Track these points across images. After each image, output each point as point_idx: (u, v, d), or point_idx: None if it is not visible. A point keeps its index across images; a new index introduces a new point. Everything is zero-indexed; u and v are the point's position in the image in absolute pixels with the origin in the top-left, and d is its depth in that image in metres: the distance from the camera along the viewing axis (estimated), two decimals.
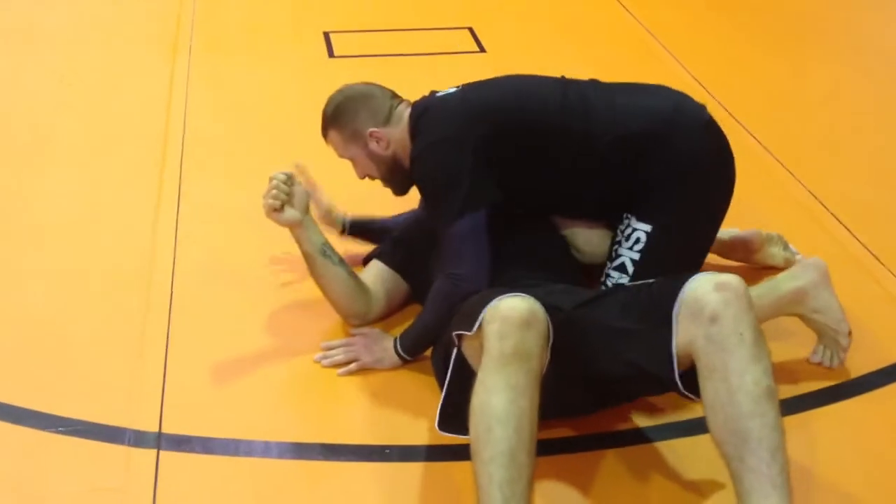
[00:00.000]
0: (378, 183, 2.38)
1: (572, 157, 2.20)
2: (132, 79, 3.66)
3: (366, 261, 2.45)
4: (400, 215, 2.55)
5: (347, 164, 2.41)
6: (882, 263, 2.63)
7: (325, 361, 2.21)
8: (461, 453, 1.96)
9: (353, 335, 2.27)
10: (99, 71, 3.73)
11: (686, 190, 2.19)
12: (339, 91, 2.33)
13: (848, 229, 2.77)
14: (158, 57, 3.81)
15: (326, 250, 2.22)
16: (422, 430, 2.04)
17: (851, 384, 2.21)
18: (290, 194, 2.18)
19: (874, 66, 3.90)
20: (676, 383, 1.79)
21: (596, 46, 4.05)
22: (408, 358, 2.19)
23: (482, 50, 3.98)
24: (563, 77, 2.36)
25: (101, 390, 2.13)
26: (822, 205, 2.88)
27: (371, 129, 2.25)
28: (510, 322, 1.71)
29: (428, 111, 2.21)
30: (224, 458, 1.98)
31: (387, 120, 2.26)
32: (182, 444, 1.99)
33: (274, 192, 2.17)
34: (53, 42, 3.97)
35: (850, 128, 3.43)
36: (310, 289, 2.43)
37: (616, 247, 2.23)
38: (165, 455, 1.96)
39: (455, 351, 1.88)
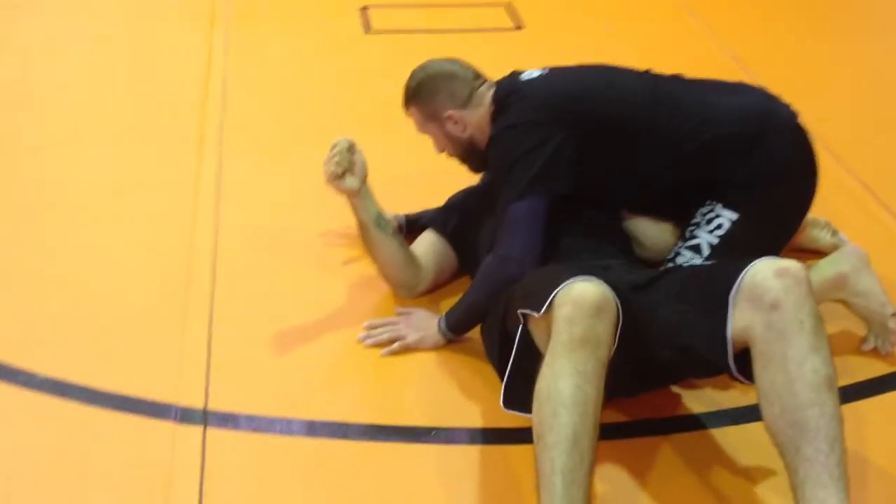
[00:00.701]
0: (416, 166, 2.38)
1: (660, 153, 2.18)
2: (170, 51, 3.65)
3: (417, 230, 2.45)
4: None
5: (386, 143, 2.39)
6: None
7: (368, 341, 2.19)
8: (507, 437, 1.98)
9: (399, 313, 2.26)
10: (136, 43, 3.72)
11: (775, 188, 2.18)
12: (422, 67, 2.31)
13: None
14: (195, 29, 3.80)
15: (381, 221, 2.24)
16: (468, 412, 2.03)
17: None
18: (351, 162, 2.17)
19: None
20: (731, 367, 1.76)
21: (636, 26, 4.01)
22: (452, 336, 2.17)
23: (519, 27, 3.94)
24: (649, 71, 2.32)
25: (147, 366, 2.13)
26: (870, 190, 2.83)
27: (449, 112, 2.24)
28: (581, 308, 1.69)
29: (513, 94, 2.19)
30: (271, 436, 1.96)
31: (466, 102, 2.25)
32: (228, 421, 1.99)
33: (336, 158, 2.16)
34: (88, 13, 3.96)
35: None
36: (355, 265, 2.45)
37: (693, 228, 2.21)
38: (212, 432, 1.96)
39: (521, 328, 1.85)
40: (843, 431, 1.63)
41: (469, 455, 1.95)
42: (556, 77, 2.24)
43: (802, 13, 4.17)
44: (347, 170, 2.17)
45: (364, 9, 4.03)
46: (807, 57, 3.74)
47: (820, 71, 3.63)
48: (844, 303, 2.21)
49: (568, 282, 1.72)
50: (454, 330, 2.17)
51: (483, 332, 2.16)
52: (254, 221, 2.66)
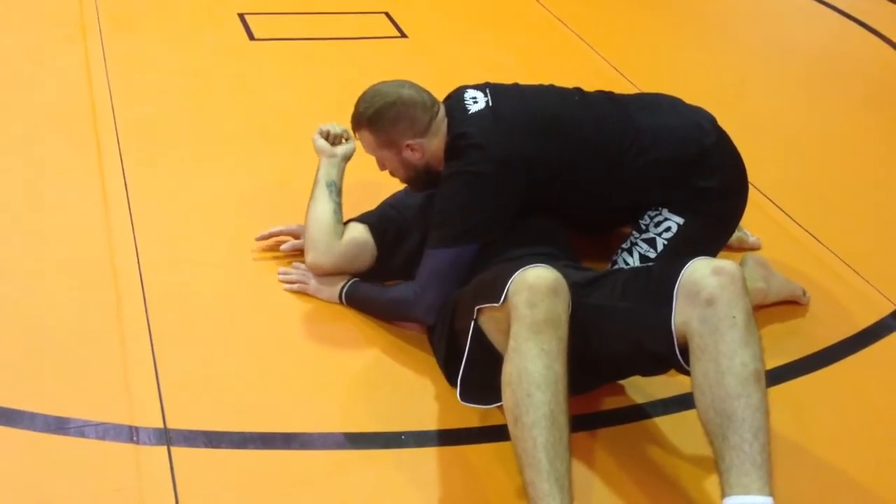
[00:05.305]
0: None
1: (603, 183, 2.27)
2: (44, 60, 3.44)
3: None
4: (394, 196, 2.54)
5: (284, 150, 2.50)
6: (819, 241, 2.81)
7: (281, 276, 2.40)
8: (477, 436, 2.02)
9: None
10: (5, 52, 3.48)
11: (715, 202, 2.33)
12: (379, 93, 2.25)
13: (784, 211, 2.95)
14: (66, 38, 3.61)
15: (331, 186, 2.37)
16: (435, 414, 2.05)
17: (817, 357, 2.36)
18: (339, 137, 2.43)
19: (776, 56, 4.19)
20: (678, 359, 1.84)
21: (513, 34, 4.13)
22: (343, 302, 2.33)
23: (403, 35, 3.98)
24: (579, 90, 2.39)
25: (93, 389, 2.02)
26: (755, 188, 3.04)
27: (409, 142, 2.24)
28: (539, 290, 1.76)
29: (464, 137, 2.19)
30: (239, 451, 1.91)
31: (426, 130, 2.24)
32: (191, 439, 1.92)
33: (339, 127, 2.44)
34: None
35: (765, 113, 3.64)
36: (283, 266, 2.45)
37: (645, 223, 2.33)
38: (177, 451, 1.89)
39: (473, 324, 1.91)
40: (769, 423, 1.72)
41: (442, 456, 1.97)
42: (505, 117, 2.22)
43: (666, 26, 4.44)
44: (346, 138, 2.42)
45: (243, 15, 3.96)
46: (676, 65, 3.97)
47: (689, 76, 3.86)
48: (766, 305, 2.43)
49: (521, 270, 1.80)
50: (347, 301, 2.33)
51: (431, 339, 2.21)
52: (170, 232, 2.57)
